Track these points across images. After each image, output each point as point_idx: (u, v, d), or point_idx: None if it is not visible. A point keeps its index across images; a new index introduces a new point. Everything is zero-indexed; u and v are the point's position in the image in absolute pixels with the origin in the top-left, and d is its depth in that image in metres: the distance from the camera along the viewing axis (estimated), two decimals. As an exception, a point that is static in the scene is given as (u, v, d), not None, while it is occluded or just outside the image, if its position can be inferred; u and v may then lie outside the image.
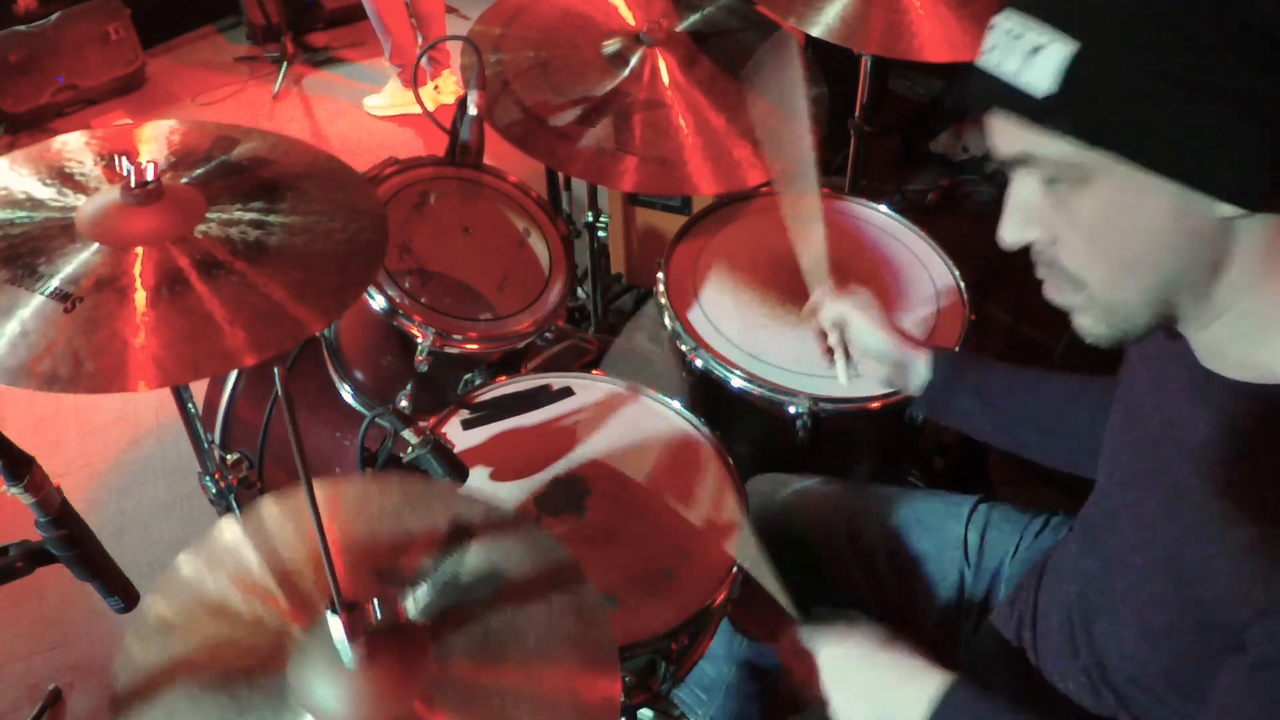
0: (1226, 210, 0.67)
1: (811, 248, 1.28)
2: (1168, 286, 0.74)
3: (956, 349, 1.45)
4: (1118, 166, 0.68)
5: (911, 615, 1.26)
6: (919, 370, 1.20)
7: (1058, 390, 1.14)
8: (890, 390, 1.39)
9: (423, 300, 1.45)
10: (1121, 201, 0.70)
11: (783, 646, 1.02)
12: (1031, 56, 0.67)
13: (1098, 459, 1.03)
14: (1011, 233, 0.79)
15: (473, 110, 1.52)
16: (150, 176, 1.07)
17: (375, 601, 0.81)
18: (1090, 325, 0.79)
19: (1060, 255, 0.77)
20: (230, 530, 0.93)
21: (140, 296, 1.00)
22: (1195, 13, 0.63)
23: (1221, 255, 0.71)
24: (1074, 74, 0.66)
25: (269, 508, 0.95)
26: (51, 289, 0.99)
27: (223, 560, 0.91)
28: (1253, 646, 0.71)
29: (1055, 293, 0.80)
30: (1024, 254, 0.81)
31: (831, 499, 1.32)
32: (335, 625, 0.77)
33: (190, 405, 1.22)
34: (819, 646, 0.99)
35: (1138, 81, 0.65)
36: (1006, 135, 0.74)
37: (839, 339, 1.26)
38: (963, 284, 1.56)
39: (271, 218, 1.11)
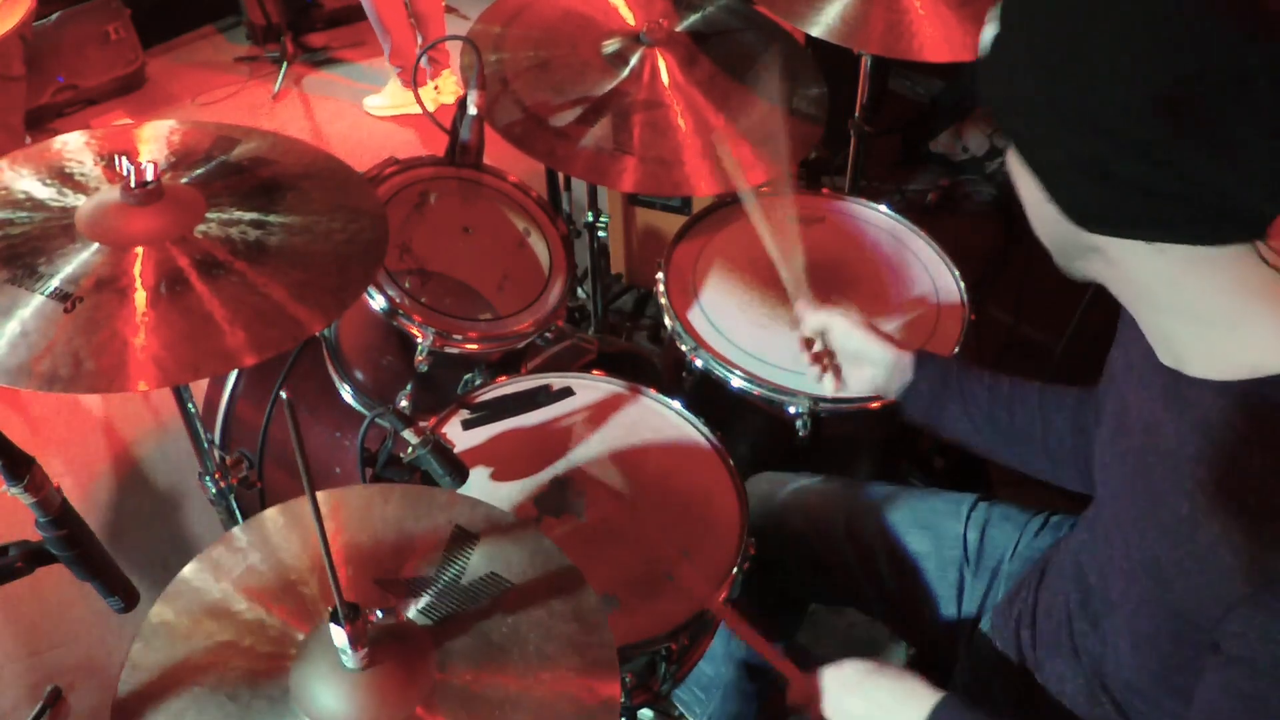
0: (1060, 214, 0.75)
1: (791, 260, 1.29)
2: (1060, 248, 0.82)
3: (955, 350, 1.45)
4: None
5: (911, 613, 1.26)
6: (903, 371, 1.20)
7: (1039, 397, 1.15)
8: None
9: (423, 300, 1.45)
10: (1016, 168, 0.80)
11: (794, 693, 1.04)
12: (989, 21, 0.77)
13: (1076, 469, 1.09)
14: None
15: (473, 110, 1.52)
16: (150, 176, 1.07)
17: (377, 611, 0.81)
18: None
19: None
20: (236, 538, 0.93)
21: (140, 296, 0.99)
22: (1049, 55, 0.71)
23: (1096, 247, 0.77)
24: (993, 51, 0.76)
25: (273, 517, 0.95)
26: (51, 289, 0.99)
27: (227, 567, 0.91)
28: (1224, 642, 0.73)
29: None
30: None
31: (831, 498, 1.32)
32: (337, 633, 0.77)
33: (190, 405, 1.22)
34: (821, 679, 1.01)
35: (1020, 83, 0.74)
36: None
37: (822, 347, 1.26)
38: (962, 284, 1.56)
39: (271, 218, 1.11)
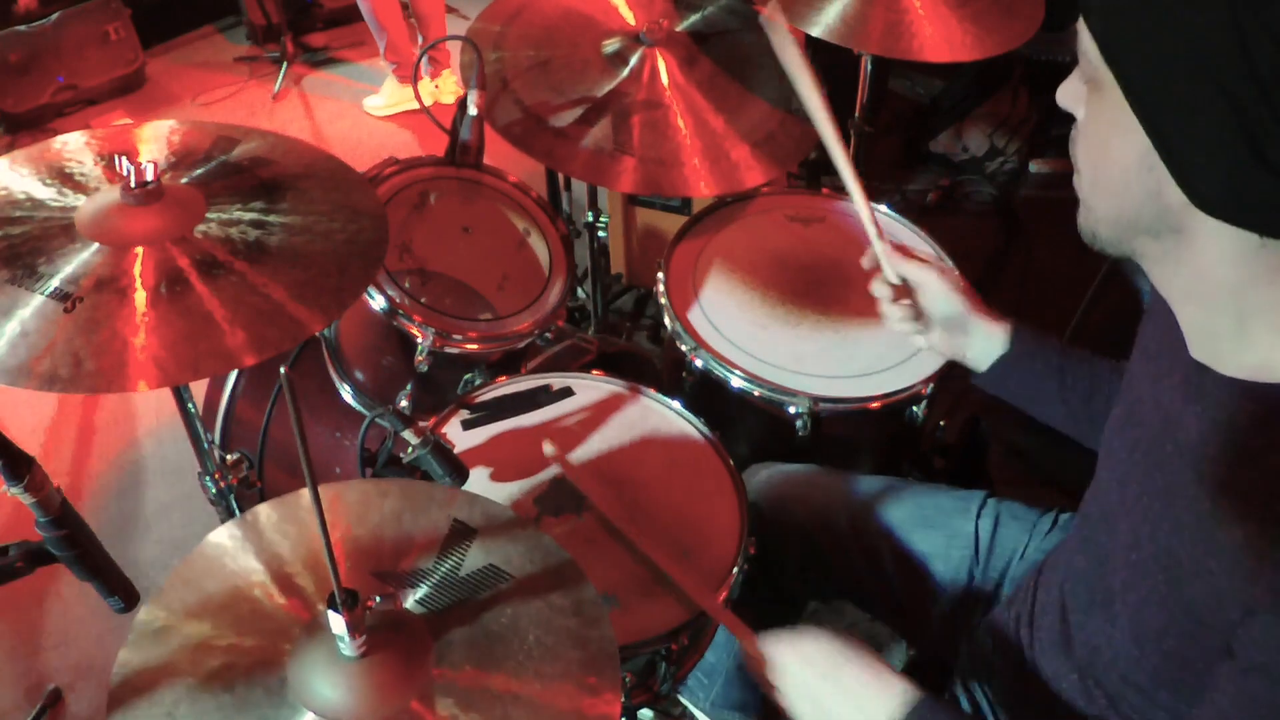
0: (1178, 194, 0.69)
1: (861, 206, 1.21)
2: (1127, 221, 0.75)
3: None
4: (1117, 90, 0.69)
5: (915, 612, 1.26)
6: (993, 341, 1.16)
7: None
8: (890, 390, 1.40)
9: (423, 300, 1.45)
10: (1109, 121, 0.72)
11: (748, 661, 1.01)
12: None
13: None
14: (1060, 95, 0.81)
15: (472, 110, 1.52)
16: (150, 176, 1.07)
17: (375, 598, 0.81)
18: (1080, 212, 0.81)
19: (1076, 138, 0.79)
20: (229, 534, 0.93)
21: (140, 296, 0.99)
22: (1232, 14, 0.62)
23: (1185, 230, 0.72)
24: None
25: (267, 512, 0.95)
26: (51, 289, 0.99)
27: (223, 562, 0.91)
28: (1240, 650, 0.71)
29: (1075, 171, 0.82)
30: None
31: (832, 491, 1.32)
32: (335, 620, 0.77)
33: (190, 405, 1.22)
34: (777, 650, 0.98)
35: (1164, 33, 0.65)
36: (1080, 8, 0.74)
37: (907, 300, 1.19)
38: (963, 284, 1.56)
39: (271, 218, 1.11)
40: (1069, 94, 0.79)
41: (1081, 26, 0.71)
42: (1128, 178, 0.72)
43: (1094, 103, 0.74)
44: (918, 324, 1.21)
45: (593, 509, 1.20)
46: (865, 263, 1.22)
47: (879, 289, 1.21)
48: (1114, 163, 0.73)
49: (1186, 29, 0.64)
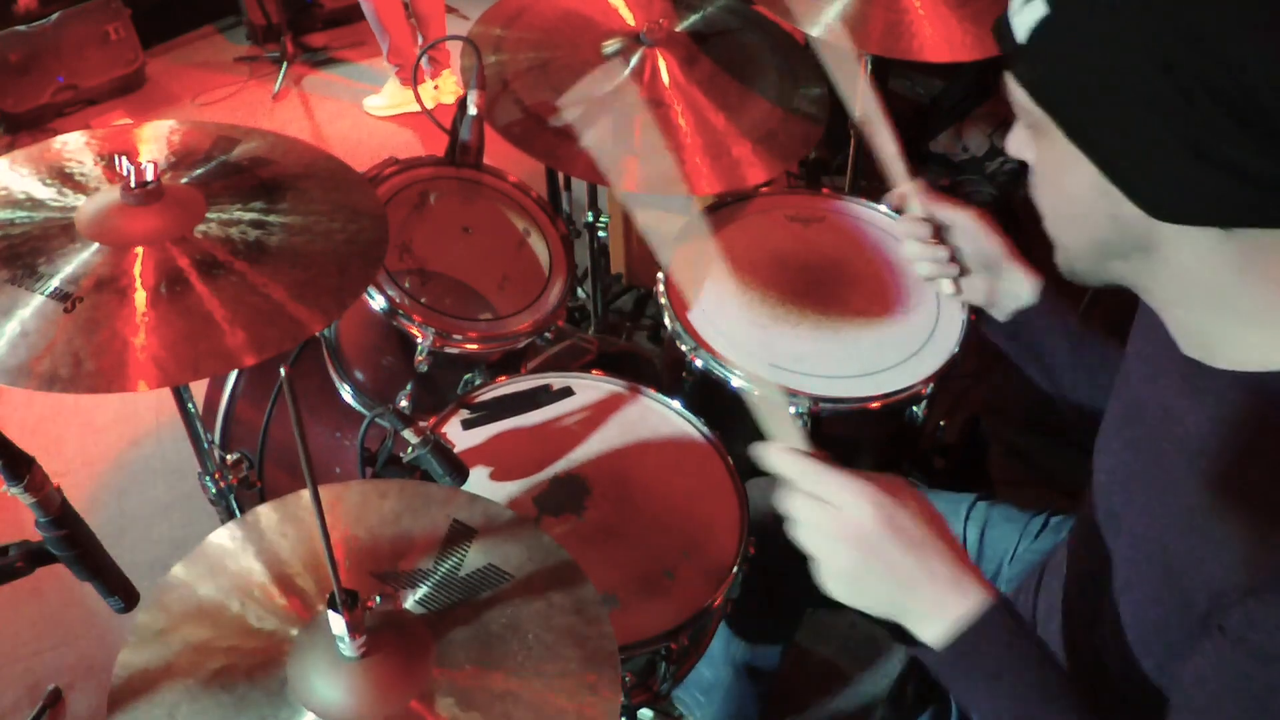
0: (1135, 210, 0.70)
1: (886, 147, 1.19)
2: (1097, 249, 0.77)
3: (955, 349, 1.44)
4: (1056, 130, 0.72)
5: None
6: (1021, 291, 1.13)
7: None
8: (890, 390, 1.40)
9: (423, 300, 1.45)
10: (1057, 161, 0.74)
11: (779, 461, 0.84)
12: (1024, 5, 0.72)
13: None
14: (1011, 146, 0.84)
15: (473, 110, 1.52)
16: (150, 176, 1.07)
17: (375, 598, 0.81)
18: (1056, 253, 0.83)
19: (1034, 183, 0.82)
20: (229, 534, 0.93)
21: (140, 296, 1.00)
22: (1147, 35, 0.65)
23: (1150, 243, 0.73)
24: (1042, 36, 0.71)
25: (267, 513, 0.95)
26: (51, 289, 0.99)
27: (223, 563, 0.91)
28: (1230, 625, 0.71)
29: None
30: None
31: None
32: (336, 620, 0.77)
33: (190, 405, 1.22)
34: (856, 502, 0.80)
35: (1086, 67, 0.69)
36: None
37: (939, 246, 1.15)
38: (963, 284, 1.56)
39: (271, 218, 1.11)
40: (1017, 143, 0.82)
41: (1010, 79, 0.75)
42: (1085, 207, 0.74)
43: (1041, 146, 0.77)
44: (949, 267, 1.17)
45: (592, 509, 1.20)
46: (892, 200, 1.21)
47: (910, 228, 1.17)
48: (1070, 197, 0.76)
49: (1107, 60, 0.67)
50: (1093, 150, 0.71)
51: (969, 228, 1.15)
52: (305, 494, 0.79)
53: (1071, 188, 0.75)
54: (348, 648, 0.79)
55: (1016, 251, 1.14)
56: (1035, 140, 0.78)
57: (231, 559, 0.91)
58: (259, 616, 0.86)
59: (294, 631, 0.85)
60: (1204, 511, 0.74)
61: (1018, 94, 0.75)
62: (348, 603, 0.76)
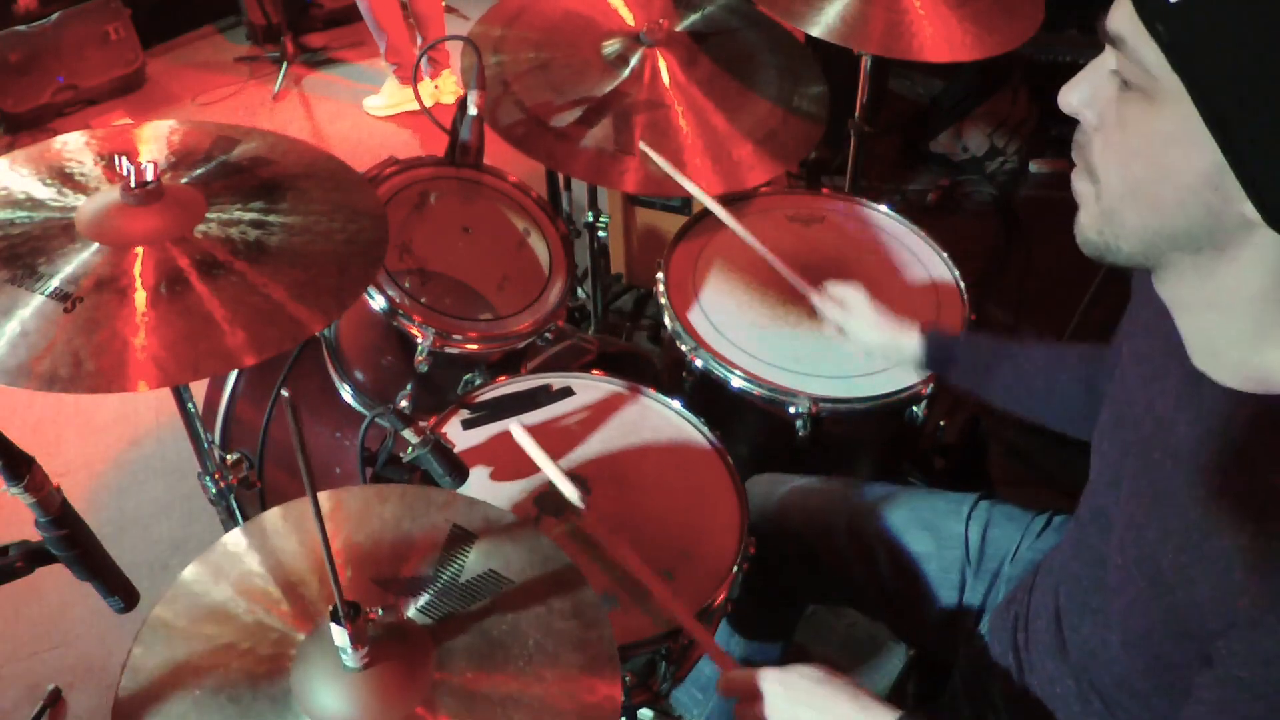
0: (1250, 211, 0.65)
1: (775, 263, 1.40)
2: (1166, 236, 0.72)
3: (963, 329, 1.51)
4: (1185, 103, 0.64)
5: (912, 614, 1.26)
6: (917, 357, 1.28)
7: (1044, 356, 1.20)
8: (890, 390, 1.40)
9: (423, 300, 1.45)
10: (1169, 135, 0.67)
11: (726, 683, 1.00)
12: None
13: (1091, 422, 1.00)
14: (1072, 97, 0.76)
15: (473, 110, 1.52)
16: (150, 176, 1.07)
17: (378, 609, 0.81)
18: (1085, 223, 0.77)
19: (1094, 143, 0.74)
20: (235, 540, 0.93)
21: (140, 296, 0.99)
22: None
23: (1230, 245, 0.69)
24: (1208, 10, 0.62)
25: (273, 519, 0.96)
26: (51, 289, 0.99)
27: (227, 569, 0.91)
28: (1219, 661, 0.71)
29: (1075, 175, 0.78)
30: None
31: (832, 497, 1.32)
32: (338, 633, 0.77)
33: (190, 405, 1.22)
34: (763, 681, 0.96)
35: (1248, 46, 0.61)
36: (1124, 10, 0.68)
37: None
38: (963, 284, 1.56)
39: (271, 218, 1.11)
40: (1083, 98, 0.74)
41: (1132, 30, 0.66)
42: (1184, 193, 0.68)
43: (1145, 113, 0.68)
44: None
45: (592, 510, 1.20)
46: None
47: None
48: (1169, 176, 0.68)
49: (1275, 31, 0.60)
50: (1226, 134, 0.63)
51: (849, 326, 1.34)
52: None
53: (1178, 170, 0.67)
54: (350, 659, 0.79)
55: (893, 322, 1.30)
56: (1129, 105, 0.70)
57: (236, 565, 0.91)
58: (263, 624, 0.86)
59: (299, 637, 0.85)
60: (1197, 529, 0.73)
61: (1142, 50, 0.66)
62: (350, 615, 0.76)
